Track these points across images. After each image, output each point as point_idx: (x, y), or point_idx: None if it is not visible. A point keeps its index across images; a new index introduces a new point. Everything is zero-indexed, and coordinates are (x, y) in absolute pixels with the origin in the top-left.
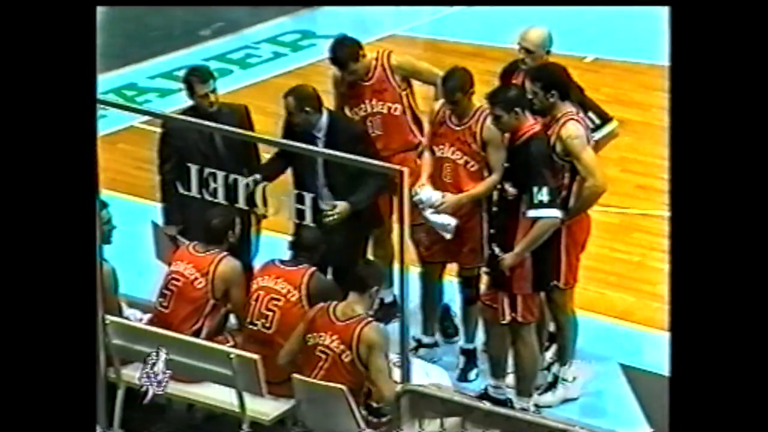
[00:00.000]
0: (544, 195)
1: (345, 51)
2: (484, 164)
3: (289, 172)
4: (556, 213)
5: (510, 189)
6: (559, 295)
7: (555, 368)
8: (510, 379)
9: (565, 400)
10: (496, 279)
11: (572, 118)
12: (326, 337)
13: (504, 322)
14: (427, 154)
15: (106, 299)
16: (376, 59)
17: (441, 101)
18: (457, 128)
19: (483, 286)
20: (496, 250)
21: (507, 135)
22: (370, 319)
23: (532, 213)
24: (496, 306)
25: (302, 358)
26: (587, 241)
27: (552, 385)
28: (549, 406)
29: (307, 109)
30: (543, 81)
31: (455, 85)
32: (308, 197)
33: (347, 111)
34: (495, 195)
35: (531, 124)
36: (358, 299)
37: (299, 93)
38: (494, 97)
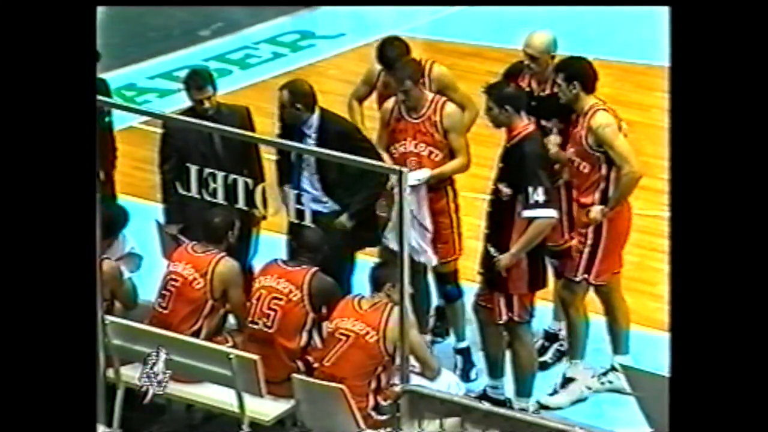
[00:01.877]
0: (540, 195)
1: (394, 51)
2: (447, 152)
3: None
4: (552, 213)
5: (505, 189)
6: (581, 290)
7: (564, 369)
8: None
9: (576, 401)
10: (492, 279)
11: (600, 109)
12: (349, 321)
13: (500, 322)
14: (385, 156)
15: (127, 305)
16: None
17: (392, 99)
18: (416, 120)
19: (477, 287)
20: (492, 250)
21: (501, 132)
22: (393, 304)
23: (528, 213)
24: (491, 306)
25: (322, 343)
26: (628, 236)
27: (562, 386)
28: (560, 408)
29: (299, 106)
30: (566, 72)
31: (404, 74)
32: (308, 197)
33: (376, 106)
34: (489, 195)
35: (525, 125)
36: (380, 296)
37: (294, 88)
38: (491, 89)
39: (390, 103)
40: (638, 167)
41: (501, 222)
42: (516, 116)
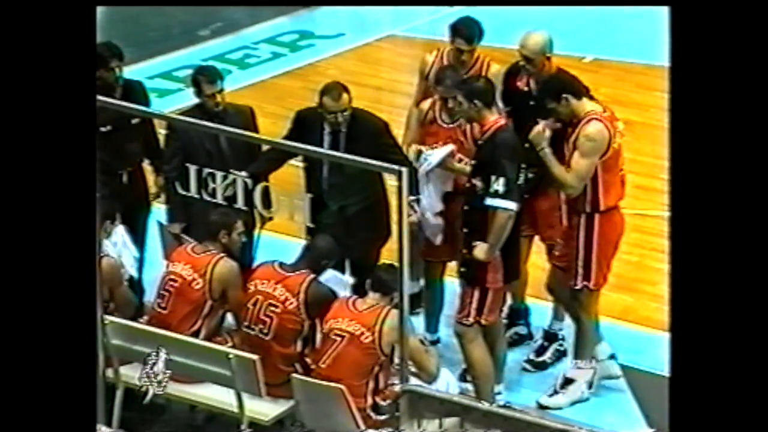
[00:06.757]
0: (500, 185)
1: (476, 29)
2: None
3: (289, 171)
4: (510, 205)
5: (478, 184)
6: (586, 296)
7: (565, 369)
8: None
9: (575, 402)
10: (469, 275)
11: (595, 118)
12: (343, 321)
13: (467, 323)
14: (412, 152)
15: (123, 308)
16: (477, 59)
17: (429, 100)
18: (449, 126)
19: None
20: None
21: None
22: (390, 307)
23: (488, 201)
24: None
25: (318, 344)
26: (620, 242)
27: (562, 387)
28: (559, 408)
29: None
30: (551, 93)
31: (454, 83)
32: (307, 198)
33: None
34: (466, 193)
35: (496, 119)
36: (379, 299)
37: (337, 90)
38: (460, 84)
39: (426, 103)
40: (577, 187)
41: (478, 218)
42: (486, 110)
